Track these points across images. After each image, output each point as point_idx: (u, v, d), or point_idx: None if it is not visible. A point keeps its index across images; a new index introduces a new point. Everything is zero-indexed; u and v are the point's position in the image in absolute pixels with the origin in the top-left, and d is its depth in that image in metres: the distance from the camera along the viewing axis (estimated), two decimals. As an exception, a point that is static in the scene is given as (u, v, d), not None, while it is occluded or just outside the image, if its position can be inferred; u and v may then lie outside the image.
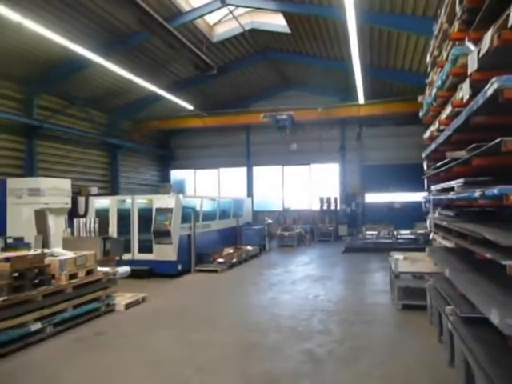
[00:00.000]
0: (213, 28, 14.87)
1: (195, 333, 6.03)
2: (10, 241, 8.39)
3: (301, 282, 9.63)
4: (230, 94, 20.40)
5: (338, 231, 19.35)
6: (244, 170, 22.28)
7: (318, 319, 6.62)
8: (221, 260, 11.68)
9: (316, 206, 20.45)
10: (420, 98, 7.32)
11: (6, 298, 5.13)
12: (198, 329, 6.25)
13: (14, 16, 9.19)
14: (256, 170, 22.24)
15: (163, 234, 10.03)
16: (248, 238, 14.79)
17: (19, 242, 8.17)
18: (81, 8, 11.35)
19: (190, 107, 17.53)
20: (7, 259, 5.37)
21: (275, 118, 17.13)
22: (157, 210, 10.26)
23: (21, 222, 9.17)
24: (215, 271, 11.00)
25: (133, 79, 13.90)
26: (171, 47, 12.18)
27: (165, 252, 10.12)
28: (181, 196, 10.85)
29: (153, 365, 4.86)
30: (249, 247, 13.85)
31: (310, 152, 20.57)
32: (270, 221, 16.49)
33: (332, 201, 19.92)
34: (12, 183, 9.73)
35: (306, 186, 21.43)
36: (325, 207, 19.88)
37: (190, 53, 12.66)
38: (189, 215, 10.90)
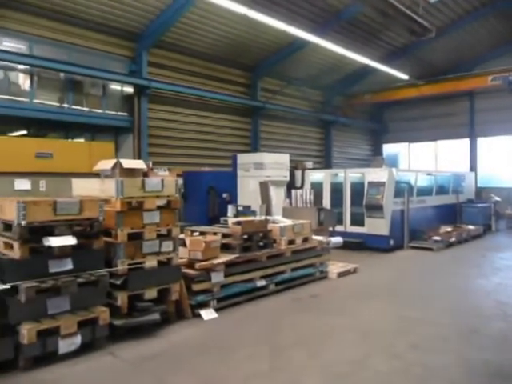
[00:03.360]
0: (432, -14, 13.59)
1: (407, 309, 5.88)
2: (240, 208, 9.63)
3: (537, 270, 8.26)
4: (450, 57, 18.42)
5: None
6: (466, 141, 20.04)
7: (559, 314, 5.60)
8: (437, 238, 10.93)
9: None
10: None
11: (238, 255, 5.99)
12: (409, 305, 6.07)
13: (240, 9, 10.33)
14: (481, 141, 19.72)
15: (375, 208, 9.96)
16: (469, 217, 13.39)
17: (247, 210, 9.30)
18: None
19: (405, 76, 16.60)
20: (239, 223, 6.23)
21: (507, 79, 14.75)
22: (369, 183, 10.22)
23: (248, 192, 10.45)
24: (430, 249, 10.38)
25: (345, 54, 13.96)
26: (384, 15, 11.72)
27: (377, 226, 10.05)
28: (394, 170, 10.53)
29: (364, 333, 4.97)
30: (470, 226, 12.56)
31: (555, 117, 17.08)
32: (497, 198, 14.52)
33: None
34: (241, 158, 11.14)
35: (547, 158, 17.97)
36: None
37: (405, 18, 11.92)
38: (402, 190, 10.50)
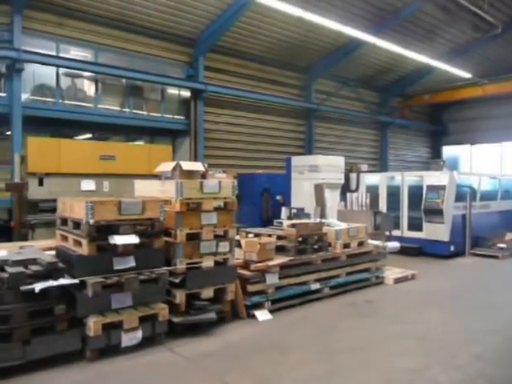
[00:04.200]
0: (498, -21, 12.94)
1: (469, 318, 5.61)
2: (294, 210, 9.62)
3: None
4: (518, 54, 17.42)
5: None
6: (535, 143, 18.86)
7: None
8: (502, 245, 10.34)
9: None
10: None
11: (292, 258, 5.98)
12: (472, 315, 5.78)
13: (296, 11, 10.37)
14: (552, 142, 18.47)
15: (434, 213, 9.59)
16: (538, 223, 12.52)
17: (301, 212, 9.26)
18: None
19: (467, 75, 15.90)
20: (293, 225, 6.23)
21: None
22: (428, 187, 9.86)
23: (302, 195, 10.42)
24: (495, 257, 9.83)
25: (403, 53, 13.60)
26: (446, 11, 11.27)
27: (436, 231, 9.67)
28: (455, 173, 10.09)
29: (422, 342, 4.80)
30: (540, 234, 11.76)
31: None
32: None
33: None
34: (295, 161, 11.13)
35: None
36: None
37: (469, 13, 11.42)
38: (463, 194, 10.04)
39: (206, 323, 5.02)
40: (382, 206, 10.19)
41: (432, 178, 10.03)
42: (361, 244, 7.06)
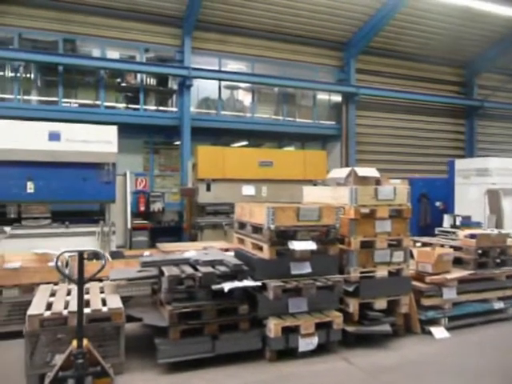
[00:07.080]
0: None
1: None
2: (459, 218, 8.81)
3: None
4: None
5: None
6: None
7: None
8: None
9: None
10: None
11: (472, 272, 5.42)
12: None
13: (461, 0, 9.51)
14: None
15: None
16: None
17: (468, 220, 8.44)
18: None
19: None
20: (472, 236, 5.65)
21: None
22: None
23: (467, 201, 9.45)
24: None
25: None
26: None
27: None
28: None
29: None
30: None
31: None
32: None
33: None
34: (460, 164, 10.15)
35: None
36: None
37: None
38: None
39: (378, 335, 4.82)
40: None
41: None
42: (554, 260, 6.08)
